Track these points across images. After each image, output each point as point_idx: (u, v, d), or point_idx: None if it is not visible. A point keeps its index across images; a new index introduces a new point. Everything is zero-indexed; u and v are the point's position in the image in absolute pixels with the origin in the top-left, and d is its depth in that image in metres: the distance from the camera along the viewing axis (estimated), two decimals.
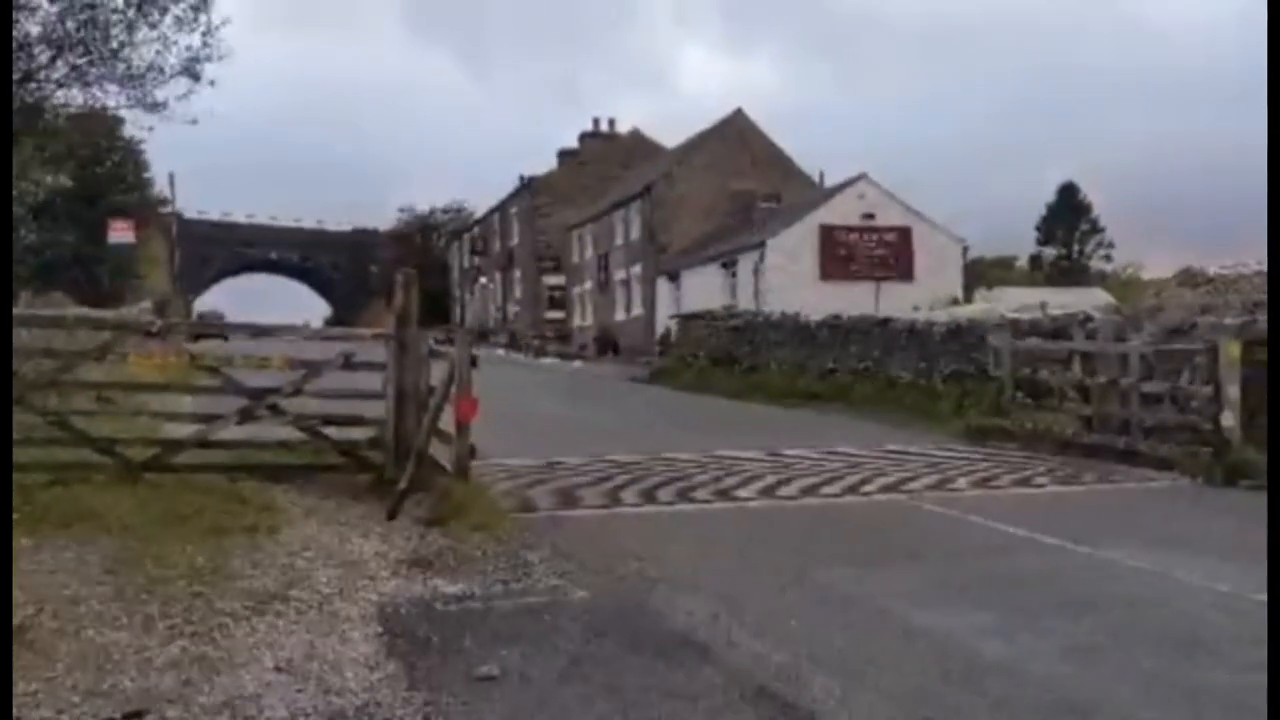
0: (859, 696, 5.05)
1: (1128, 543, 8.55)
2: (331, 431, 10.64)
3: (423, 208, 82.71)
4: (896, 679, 5.31)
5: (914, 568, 7.92)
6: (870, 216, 37.68)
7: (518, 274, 64.09)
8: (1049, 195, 62.91)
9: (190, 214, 68.98)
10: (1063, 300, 26.88)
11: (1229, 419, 12.20)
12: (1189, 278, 44.41)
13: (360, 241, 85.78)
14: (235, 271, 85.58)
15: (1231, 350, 12.49)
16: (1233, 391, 12.28)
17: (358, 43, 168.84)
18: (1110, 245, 61.79)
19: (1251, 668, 5.49)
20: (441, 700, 4.90)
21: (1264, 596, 6.87)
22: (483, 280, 71.58)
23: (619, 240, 50.16)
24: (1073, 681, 5.28)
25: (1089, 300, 27.62)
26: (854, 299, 30.70)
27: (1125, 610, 6.65)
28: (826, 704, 4.94)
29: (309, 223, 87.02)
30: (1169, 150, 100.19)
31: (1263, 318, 13.68)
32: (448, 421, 9.94)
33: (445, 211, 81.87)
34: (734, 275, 39.24)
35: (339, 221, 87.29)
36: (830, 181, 44.77)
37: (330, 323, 74.10)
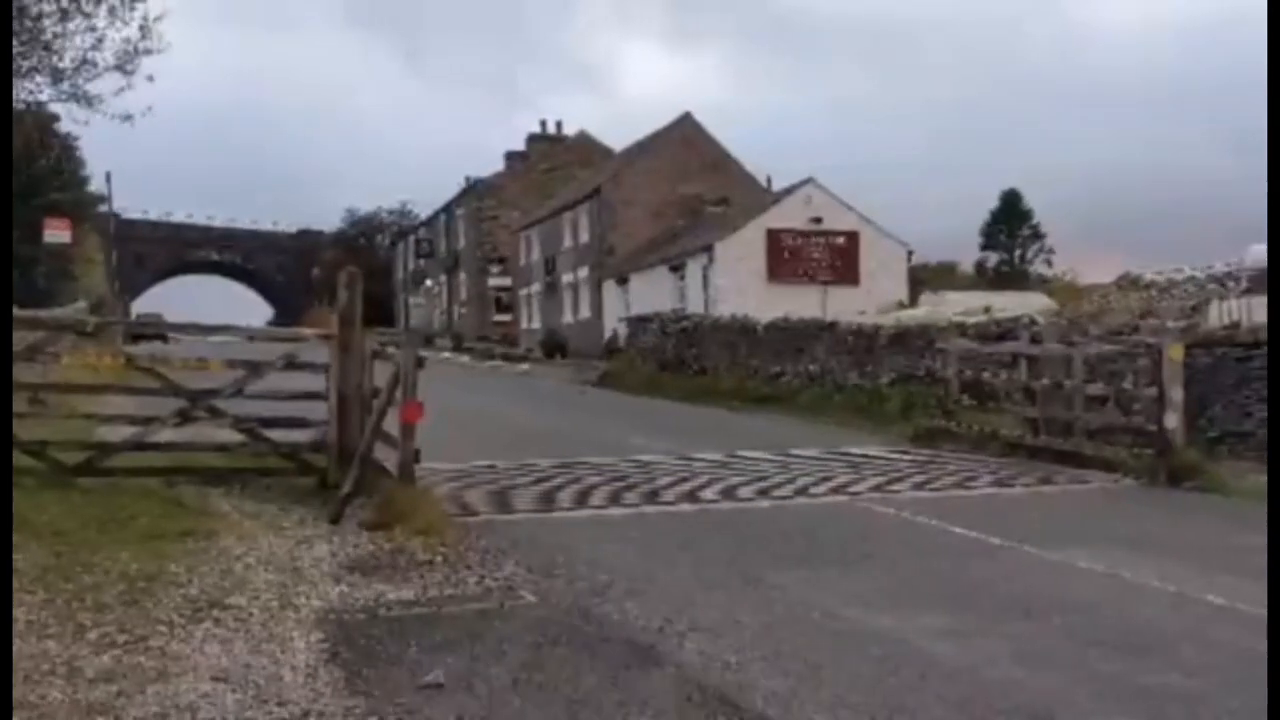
0: (812, 701, 4.97)
1: (1076, 544, 8.59)
2: (273, 434, 10.41)
3: (367, 209, 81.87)
4: (850, 682, 5.24)
5: (865, 570, 7.89)
6: (817, 221, 37.88)
7: (463, 276, 63.65)
8: (992, 201, 63.79)
9: (128, 213, 67.67)
10: (1006, 304, 27.19)
11: (1172, 421, 12.34)
12: (1127, 282, 45.24)
13: (304, 243, 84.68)
14: (175, 272, 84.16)
15: (1174, 353, 12.65)
16: (1176, 393, 12.43)
17: (293, 38, 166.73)
18: (1051, 251, 62.75)
19: (1204, 668, 5.52)
20: (385, 709, 4.75)
21: (1212, 596, 6.95)
22: (428, 282, 70.98)
23: (567, 243, 49.98)
24: (1027, 685, 5.24)
25: (1031, 304, 27.97)
26: (801, 302, 30.82)
27: (1076, 612, 6.65)
28: (779, 708, 4.86)
29: (251, 223, 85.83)
30: (1106, 157, 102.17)
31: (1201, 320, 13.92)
32: (392, 424, 9.75)
33: (390, 213, 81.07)
34: (682, 278, 39.25)
35: (281, 222, 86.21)
36: (777, 185, 44.96)
37: (272, 324, 73.06)
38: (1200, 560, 8.06)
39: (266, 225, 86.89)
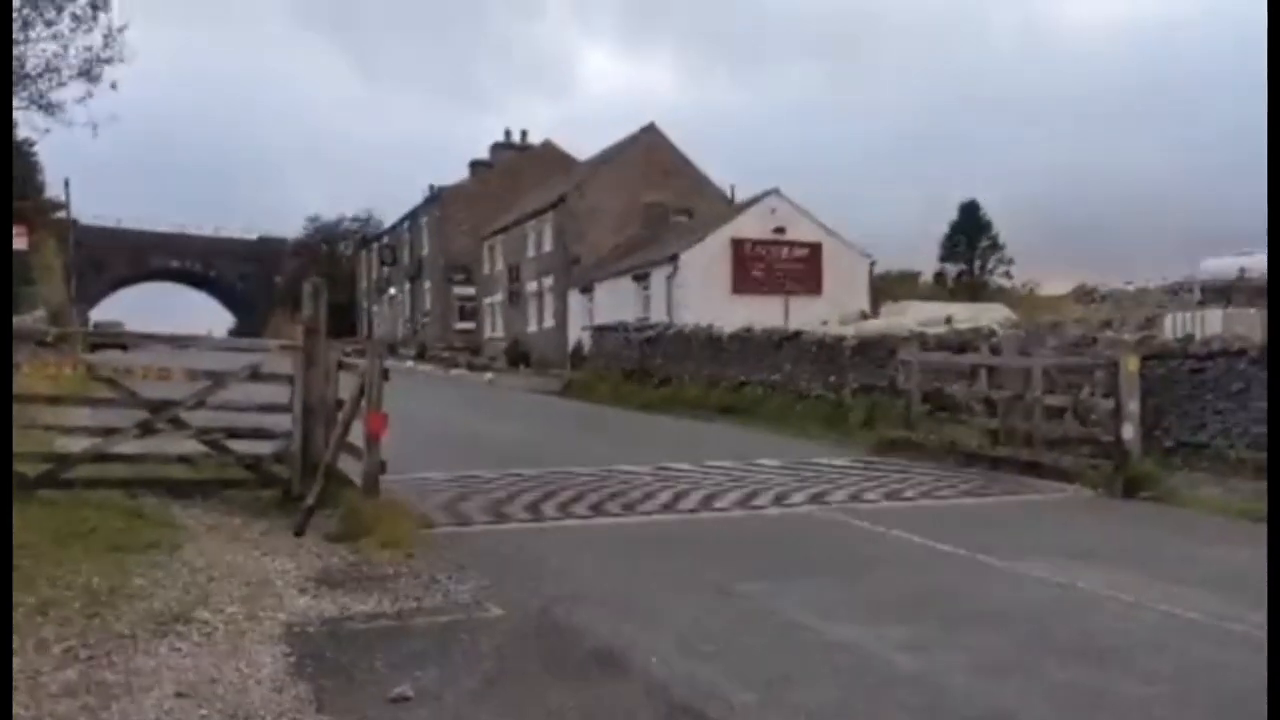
0: (779, 711, 5.03)
1: (1034, 554, 8.72)
2: (236, 445, 10.35)
3: (330, 215, 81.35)
4: (815, 693, 5.31)
5: (830, 581, 7.97)
6: (781, 231, 38.12)
7: (427, 285, 63.43)
8: (952, 213, 64.50)
9: (86, 220, 66.77)
10: (966, 315, 27.48)
11: (1129, 431, 12.55)
12: (1084, 294, 45.97)
13: (265, 250, 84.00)
14: (134, 280, 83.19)
15: (1130, 364, 12.86)
16: (1132, 405, 12.64)
17: (251, 44, 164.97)
18: (1010, 262, 63.53)
19: (1159, 677, 5.63)
20: None
21: (1166, 605, 7.08)
22: (391, 291, 70.66)
23: (531, 252, 49.96)
24: (988, 694, 5.33)
25: (991, 315, 28.29)
26: (765, 312, 31.03)
27: (1035, 622, 6.76)
28: (746, 719, 4.92)
29: (212, 230, 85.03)
30: (1064, 170, 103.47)
31: (1157, 332, 14.15)
32: (357, 436, 9.73)
33: (353, 220, 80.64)
34: (647, 288, 39.34)
35: (242, 229, 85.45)
36: (741, 195, 45.22)
37: (234, 334, 72.36)
38: (1154, 570, 8.21)
39: (228, 232, 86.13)
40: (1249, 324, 18.55)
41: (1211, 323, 20.08)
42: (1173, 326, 20.89)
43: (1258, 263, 23.24)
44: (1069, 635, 6.44)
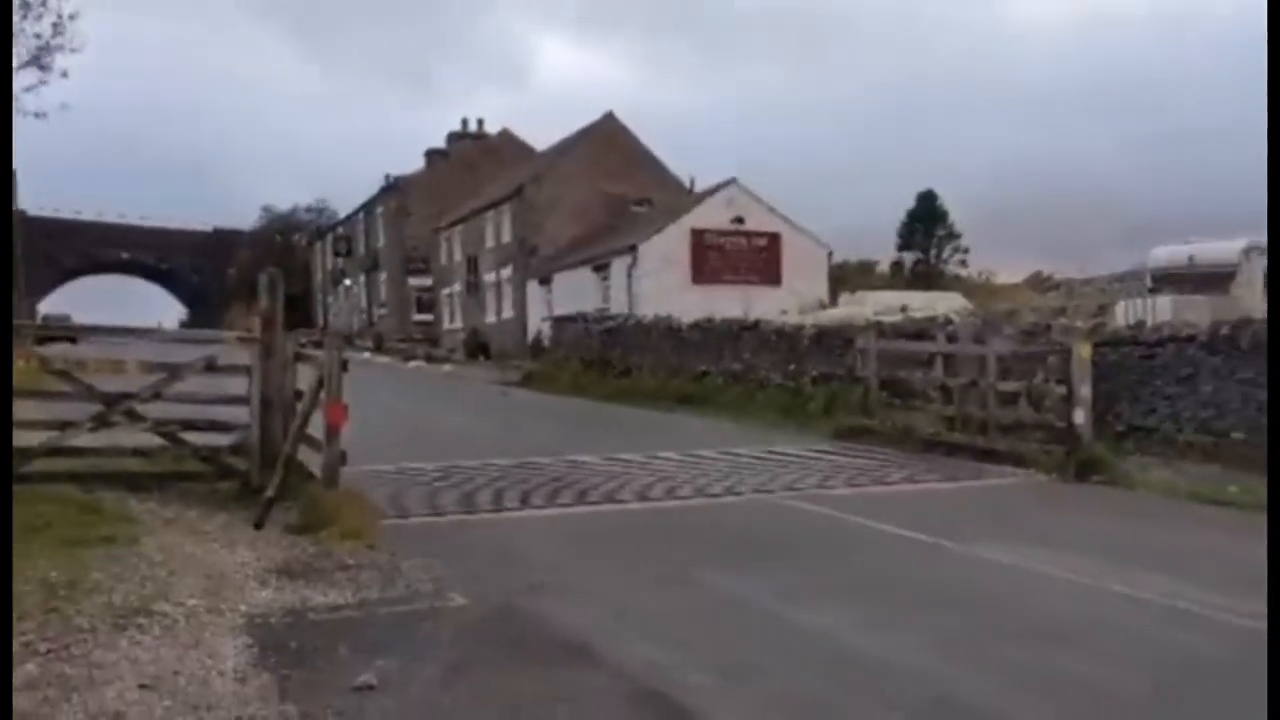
0: (741, 694, 5.11)
1: (990, 538, 8.87)
2: (193, 438, 10.26)
3: (284, 206, 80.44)
4: (777, 676, 5.39)
5: (790, 566, 8.06)
6: (740, 221, 38.25)
7: (384, 276, 62.97)
8: (909, 201, 64.97)
9: (34, 211, 65.57)
10: (923, 303, 27.78)
11: (1080, 417, 12.77)
12: (1038, 282, 46.59)
13: (218, 241, 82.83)
14: (84, 272, 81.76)
15: (1083, 351, 13.09)
16: (1084, 391, 12.86)
17: (202, 32, 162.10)
18: (966, 250, 64.07)
19: (1109, 655, 5.77)
20: (318, 713, 4.76)
21: (1116, 586, 7.24)
22: (347, 282, 70.06)
23: (489, 242, 49.74)
24: (944, 675, 5.44)
25: (948, 304, 28.61)
26: (724, 302, 31.11)
27: (991, 604, 6.90)
28: (710, 703, 4.98)
29: (165, 222, 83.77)
30: (1018, 159, 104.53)
31: (1109, 319, 14.40)
32: (316, 427, 9.68)
33: (308, 211, 79.75)
34: (606, 279, 39.34)
35: (195, 220, 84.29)
36: (700, 185, 45.29)
37: (187, 326, 71.48)
38: (1105, 552, 8.37)
39: (181, 224, 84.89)
40: (1198, 311, 18.92)
41: (1162, 310, 20.45)
42: (1124, 314, 21.24)
43: (1205, 251, 23.71)
44: (1024, 616, 6.58)
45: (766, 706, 4.94)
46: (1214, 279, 22.86)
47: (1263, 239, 23.24)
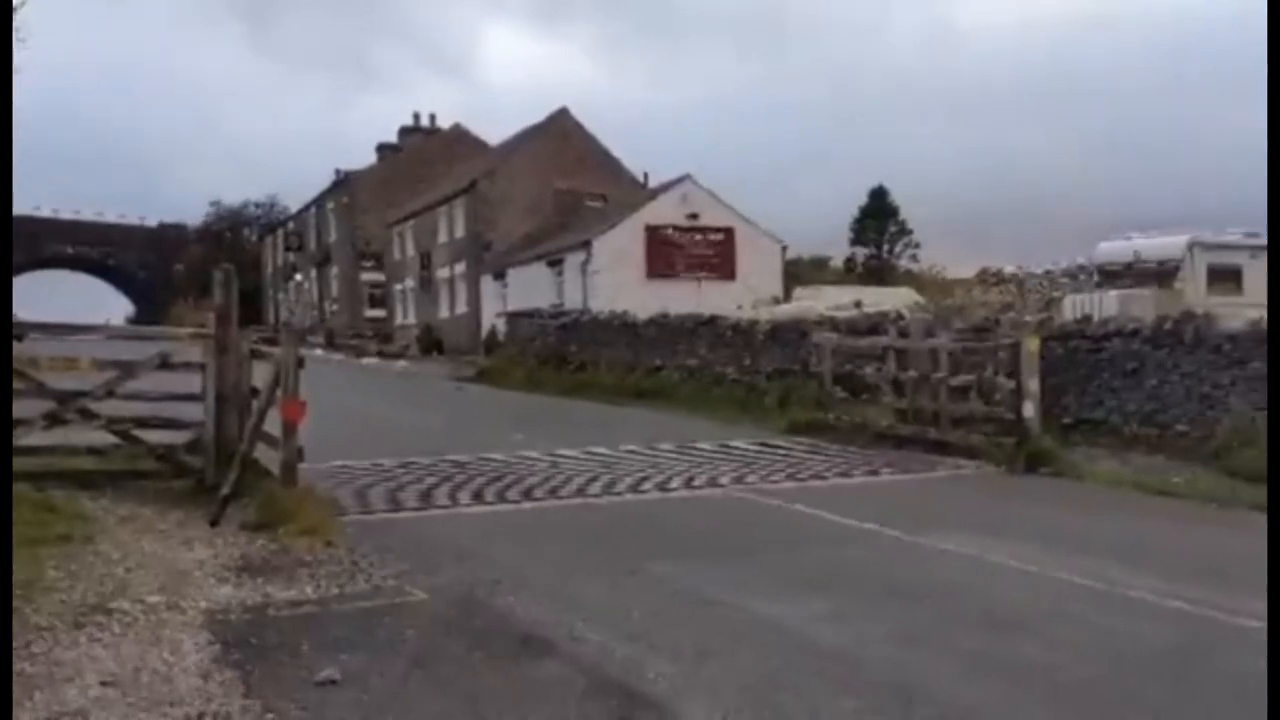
0: (702, 684, 5.18)
1: (943, 528, 9.03)
2: (147, 435, 10.17)
3: (232, 201, 79.40)
4: (737, 666, 5.47)
5: (748, 558, 8.17)
6: (694, 217, 38.37)
7: (335, 271, 62.43)
8: (861, 198, 65.51)
9: None
10: (876, 298, 28.02)
11: (1029, 410, 13.02)
12: (988, 277, 47.20)
13: (166, 237, 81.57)
14: (27, 268, 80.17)
15: (1031, 345, 13.34)
16: (1032, 384, 13.11)
17: (145, 24, 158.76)
18: (917, 246, 64.68)
19: (1060, 642, 5.92)
20: (282, 706, 4.78)
21: (1065, 575, 7.41)
22: (298, 277, 69.39)
23: (442, 237, 49.49)
24: (902, 664, 5.56)
25: (900, 299, 28.89)
26: (679, 298, 31.17)
27: (943, 593, 7.04)
28: (671, 692, 5.05)
29: (113, 217, 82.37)
30: (967, 155, 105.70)
31: (1056, 314, 14.66)
32: (273, 424, 9.64)
33: (258, 206, 78.85)
34: (561, 274, 39.30)
35: (141, 215, 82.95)
36: (654, 181, 45.38)
37: (134, 322, 70.25)
38: (1055, 541, 8.57)
39: (126, 218, 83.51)
40: (1143, 305, 19.29)
41: (1108, 304, 20.82)
42: (1071, 308, 21.60)
43: (1150, 246, 24.14)
44: (977, 605, 6.73)
45: (730, 695, 5.02)
46: (1158, 274, 23.30)
47: (1204, 234, 23.75)
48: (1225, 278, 22.91)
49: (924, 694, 5.09)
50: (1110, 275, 24.84)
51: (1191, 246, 23.37)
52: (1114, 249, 25.39)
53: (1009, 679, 5.32)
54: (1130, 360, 14.42)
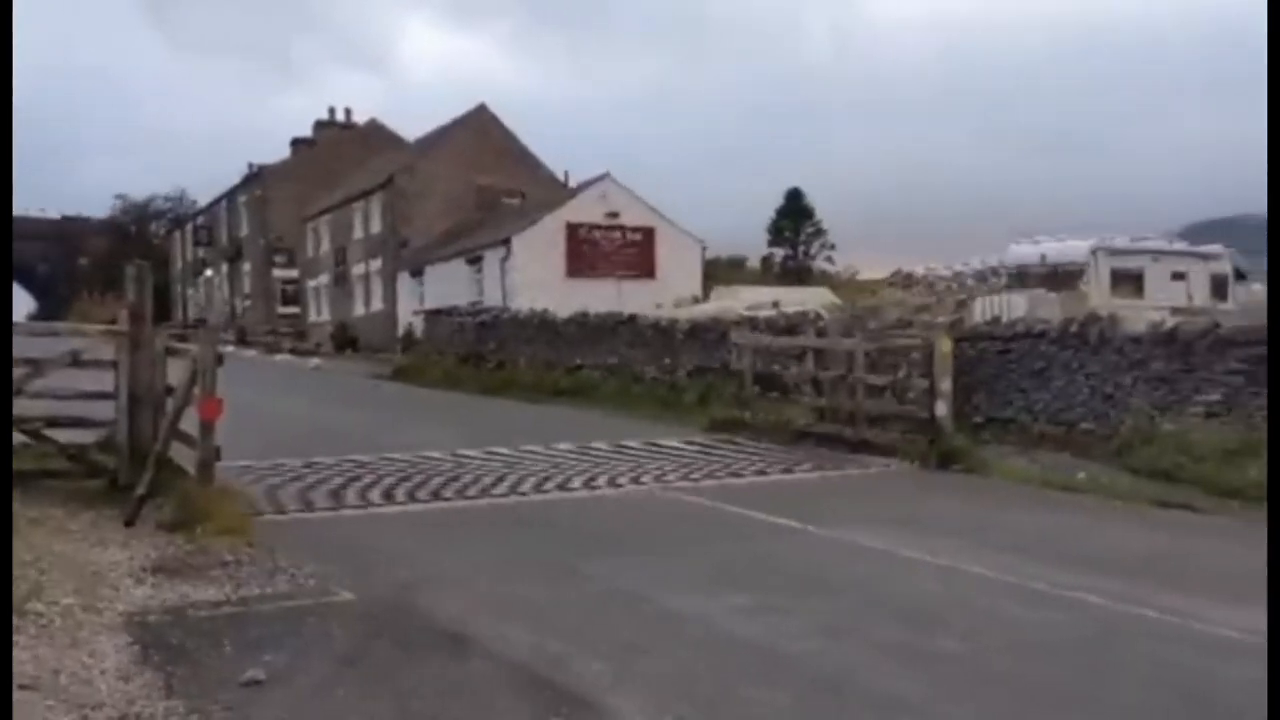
0: (630, 679, 5.25)
1: (860, 524, 9.23)
2: (57, 434, 9.91)
3: (139, 194, 77.30)
4: (664, 661, 5.56)
5: (673, 555, 8.26)
6: (614, 215, 38.45)
7: (247, 267, 61.20)
8: (779, 199, 66.30)
9: None
10: (793, 299, 28.43)
11: (942, 409, 13.35)
12: (900, 278, 48.16)
13: (69, 231, 79.12)
14: None
15: (943, 346, 13.68)
16: (945, 384, 13.45)
17: (48, 10, 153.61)
18: (832, 247, 65.75)
19: (974, 633, 6.12)
20: (208, 708, 4.74)
21: (977, 569, 7.64)
22: (208, 273, 67.84)
23: (358, 233, 48.81)
24: (823, 655, 5.70)
25: (816, 299, 29.35)
26: (599, 296, 31.24)
27: (861, 586, 7.22)
28: (599, 688, 5.11)
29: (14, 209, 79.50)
30: (883, 155, 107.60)
31: (968, 315, 15.04)
32: (188, 423, 9.47)
33: (166, 199, 76.91)
34: (480, 271, 39.07)
35: (41, 208, 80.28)
36: (575, 180, 45.34)
37: (35, 318, 67.94)
38: (966, 536, 8.82)
39: (27, 210, 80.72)
40: (1049, 307, 19.90)
41: (1016, 306, 21.44)
42: (982, 310, 22.20)
43: (1057, 250, 24.90)
44: (892, 598, 6.91)
45: (659, 690, 5.10)
46: (1064, 277, 24.06)
47: (1110, 239, 24.57)
48: (1127, 281, 23.74)
49: (851, 685, 5.24)
50: (1018, 278, 25.55)
51: (1095, 251, 24.16)
52: (1023, 252, 26.12)
53: (931, 670, 5.48)
54: (1038, 360, 14.86)
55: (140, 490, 8.94)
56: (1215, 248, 26.24)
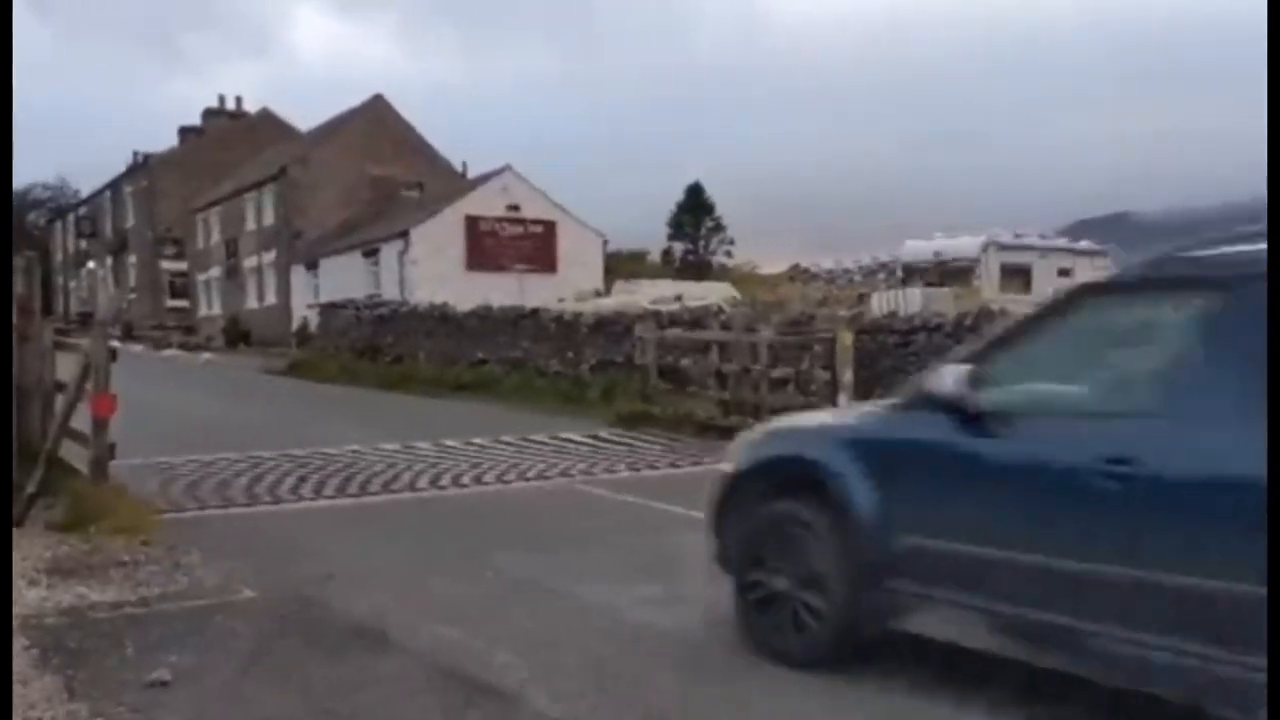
0: (545, 671, 5.25)
1: None
2: None
3: (17, 182, 74.18)
4: (578, 653, 5.57)
5: (582, 547, 8.28)
6: (515, 209, 38.28)
7: (133, 259, 59.29)
8: (678, 194, 66.79)
9: None
10: (695, 293, 28.70)
11: (844, 400, 13.59)
12: (798, 274, 48.93)
13: None
14: None
15: (845, 339, 13.96)
16: (847, 376, 13.73)
17: None
18: (732, 242, 66.58)
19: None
20: (110, 710, 4.61)
21: None
22: (91, 265, 65.50)
23: (250, 225, 47.68)
24: (739, 644, 5.77)
25: (719, 293, 29.66)
26: (499, 290, 31.06)
27: None
28: (514, 680, 5.10)
29: None
30: (781, 156, 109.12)
31: (867, 309, 15.35)
32: (79, 419, 9.15)
33: (46, 188, 74.06)
34: (377, 264, 38.52)
35: None
36: (474, 172, 44.98)
37: None
38: None
39: None
40: (944, 302, 20.47)
41: (913, 300, 22.00)
42: (879, 304, 22.70)
43: (950, 246, 25.63)
44: None
45: (575, 680, 5.12)
46: (957, 272, 24.78)
47: (1000, 235, 25.37)
48: (1016, 276, 24.56)
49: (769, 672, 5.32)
50: (914, 273, 26.21)
51: (986, 247, 24.93)
52: (917, 248, 26.82)
53: None
54: (936, 353, 15.24)
55: (30, 489, 8.62)
56: (1099, 245, 27.32)
